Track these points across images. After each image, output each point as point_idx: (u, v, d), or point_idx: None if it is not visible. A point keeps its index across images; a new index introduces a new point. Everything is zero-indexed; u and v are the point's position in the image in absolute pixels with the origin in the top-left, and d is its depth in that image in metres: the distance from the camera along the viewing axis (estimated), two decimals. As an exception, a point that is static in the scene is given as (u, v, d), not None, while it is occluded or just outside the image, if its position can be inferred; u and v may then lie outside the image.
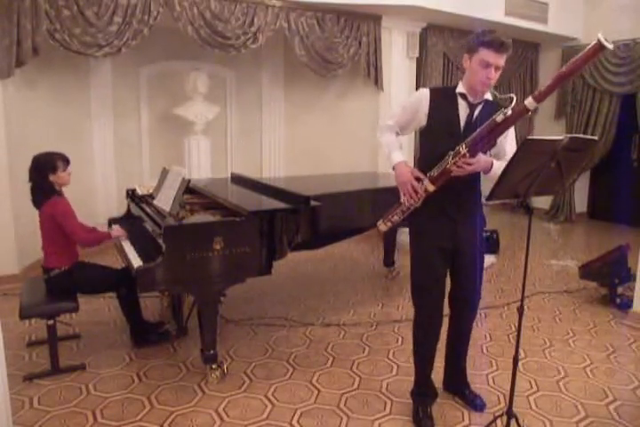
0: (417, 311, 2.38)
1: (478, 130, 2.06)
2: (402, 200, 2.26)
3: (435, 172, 2.14)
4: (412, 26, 5.64)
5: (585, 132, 6.46)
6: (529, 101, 1.96)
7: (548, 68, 7.11)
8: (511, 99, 1.99)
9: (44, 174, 2.82)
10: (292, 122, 6.35)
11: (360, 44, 5.36)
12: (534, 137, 1.85)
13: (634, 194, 6.37)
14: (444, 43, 6.07)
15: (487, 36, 2.04)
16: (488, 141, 2.07)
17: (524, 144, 1.83)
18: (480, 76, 2.08)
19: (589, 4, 6.59)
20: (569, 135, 1.86)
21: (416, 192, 2.18)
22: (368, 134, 5.82)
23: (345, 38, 5.28)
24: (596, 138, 2.06)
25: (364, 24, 5.33)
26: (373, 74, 5.52)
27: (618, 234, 6.10)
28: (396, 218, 2.30)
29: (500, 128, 2.04)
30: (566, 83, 6.67)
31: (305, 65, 5.22)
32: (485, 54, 2.04)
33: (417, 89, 5.87)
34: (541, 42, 7.07)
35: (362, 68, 5.48)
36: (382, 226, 2.39)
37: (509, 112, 1.98)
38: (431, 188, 2.16)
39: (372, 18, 5.35)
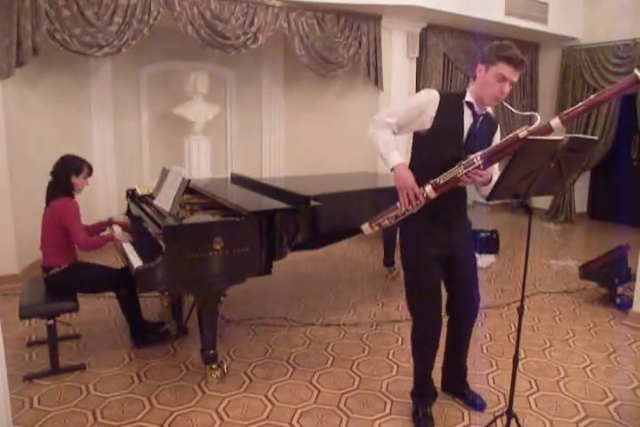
0: (415, 318, 2.35)
1: (499, 142, 2.07)
2: (398, 205, 2.17)
3: (441, 179, 2.08)
4: (412, 26, 5.65)
5: (585, 133, 6.45)
6: (555, 122, 1.96)
7: (549, 69, 7.11)
8: (535, 117, 2.00)
9: (68, 174, 2.89)
10: (292, 122, 6.35)
11: (360, 44, 5.37)
12: (534, 137, 1.84)
13: (634, 194, 6.37)
14: (444, 43, 6.08)
15: (508, 52, 2.04)
16: (502, 156, 2.05)
17: (524, 144, 1.82)
18: (494, 89, 2.08)
19: (589, 3, 6.58)
20: (569, 135, 1.85)
21: (416, 198, 2.11)
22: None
23: (345, 38, 5.28)
24: (595, 138, 2.05)
25: (364, 24, 5.33)
26: (373, 74, 5.52)
27: (618, 234, 6.09)
28: (386, 222, 2.21)
29: (517, 144, 1.98)
30: (568, 86, 6.69)
31: (305, 65, 5.22)
32: (504, 69, 2.05)
33: (417, 89, 5.93)
34: (541, 42, 7.06)
35: (362, 68, 5.48)
36: (368, 229, 2.27)
37: (533, 129, 1.96)
38: (433, 195, 2.10)
39: (372, 18, 5.36)
